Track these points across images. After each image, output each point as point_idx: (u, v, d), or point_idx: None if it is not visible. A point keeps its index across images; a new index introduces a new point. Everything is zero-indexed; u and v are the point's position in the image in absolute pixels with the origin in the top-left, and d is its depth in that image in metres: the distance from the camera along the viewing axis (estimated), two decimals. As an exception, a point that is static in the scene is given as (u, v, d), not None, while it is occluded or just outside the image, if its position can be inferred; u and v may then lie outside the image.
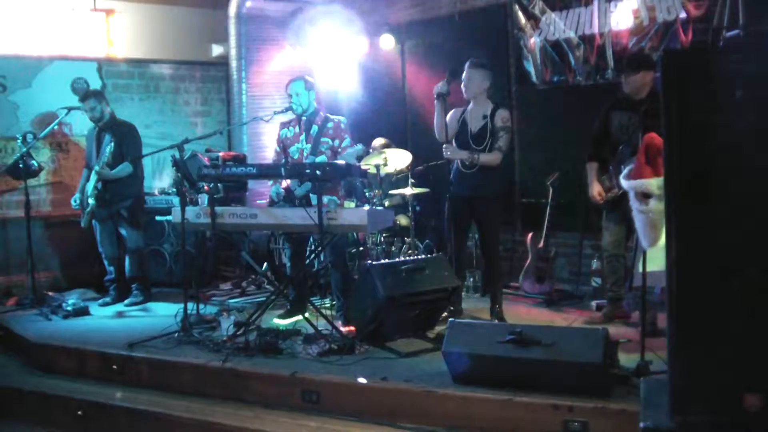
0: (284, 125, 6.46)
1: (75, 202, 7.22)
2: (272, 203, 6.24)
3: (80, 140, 8.19)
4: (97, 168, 6.96)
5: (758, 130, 2.54)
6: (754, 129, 2.55)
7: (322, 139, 6.22)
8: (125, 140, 7.08)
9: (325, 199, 5.60)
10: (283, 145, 6.40)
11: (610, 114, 5.75)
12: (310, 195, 5.99)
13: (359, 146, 6.28)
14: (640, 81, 5.51)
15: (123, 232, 7.27)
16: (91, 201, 7.04)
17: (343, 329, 5.63)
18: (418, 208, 7.38)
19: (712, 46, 5.82)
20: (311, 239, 6.67)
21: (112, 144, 6.90)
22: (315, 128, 6.26)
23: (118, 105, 8.19)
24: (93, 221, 7.21)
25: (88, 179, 7.17)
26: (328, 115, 6.39)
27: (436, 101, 5.99)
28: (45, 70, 8.09)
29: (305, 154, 6.21)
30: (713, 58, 2.74)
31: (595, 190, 5.81)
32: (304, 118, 6.30)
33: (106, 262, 7.40)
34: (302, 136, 6.28)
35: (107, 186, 7.02)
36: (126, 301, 7.25)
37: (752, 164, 2.56)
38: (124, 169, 7.01)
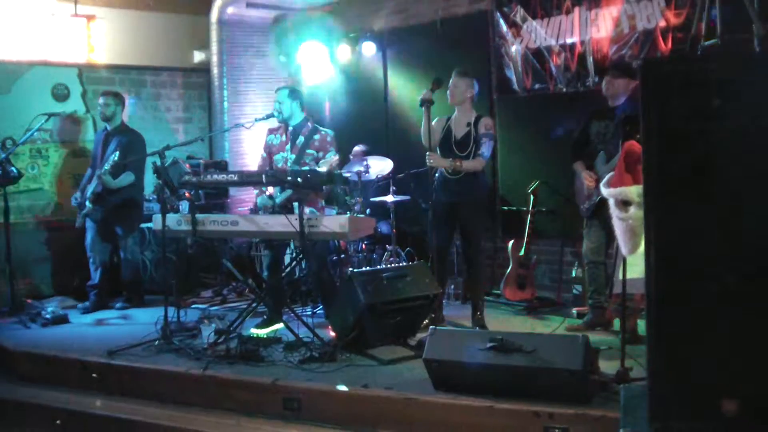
0: (272, 131, 6.43)
1: (75, 200, 7.30)
2: (255, 212, 6.21)
3: (60, 147, 8.15)
4: (98, 172, 6.97)
5: (735, 137, 2.56)
6: (732, 136, 2.57)
7: (308, 151, 6.19)
8: (130, 148, 7.07)
9: (306, 210, 5.59)
10: (269, 152, 6.38)
11: (589, 123, 5.86)
12: (293, 204, 5.97)
13: (334, 155, 6.19)
14: (622, 87, 5.61)
15: (119, 238, 7.34)
16: (88, 204, 7.08)
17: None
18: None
19: (690, 54, 5.88)
20: (290, 247, 6.65)
21: (117, 153, 6.86)
22: (302, 139, 6.24)
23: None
24: (86, 224, 7.24)
25: (89, 180, 7.23)
26: (316, 126, 6.38)
27: (422, 108, 5.99)
28: (25, 75, 8.03)
29: (289, 164, 6.19)
30: (692, 66, 2.76)
31: (585, 173, 5.78)
32: (291, 128, 6.29)
33: (92, 267, 7.38)
34: (288, 146, 6.27)
35: (107, 191, 7.04)
36: (118, 305, 7.33)
37: (730, 171, 2.58)
38: (126, 178, 7.06)
